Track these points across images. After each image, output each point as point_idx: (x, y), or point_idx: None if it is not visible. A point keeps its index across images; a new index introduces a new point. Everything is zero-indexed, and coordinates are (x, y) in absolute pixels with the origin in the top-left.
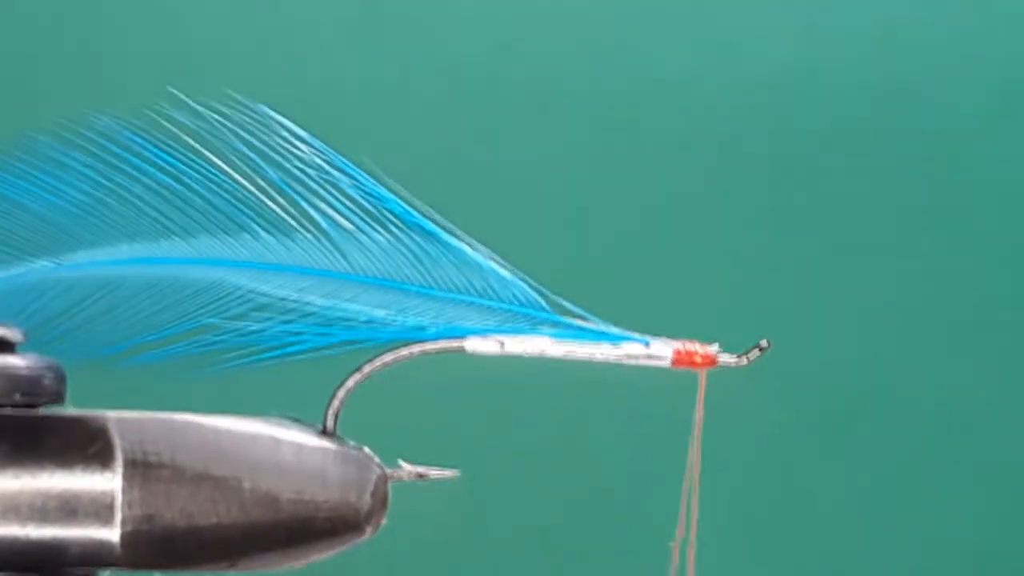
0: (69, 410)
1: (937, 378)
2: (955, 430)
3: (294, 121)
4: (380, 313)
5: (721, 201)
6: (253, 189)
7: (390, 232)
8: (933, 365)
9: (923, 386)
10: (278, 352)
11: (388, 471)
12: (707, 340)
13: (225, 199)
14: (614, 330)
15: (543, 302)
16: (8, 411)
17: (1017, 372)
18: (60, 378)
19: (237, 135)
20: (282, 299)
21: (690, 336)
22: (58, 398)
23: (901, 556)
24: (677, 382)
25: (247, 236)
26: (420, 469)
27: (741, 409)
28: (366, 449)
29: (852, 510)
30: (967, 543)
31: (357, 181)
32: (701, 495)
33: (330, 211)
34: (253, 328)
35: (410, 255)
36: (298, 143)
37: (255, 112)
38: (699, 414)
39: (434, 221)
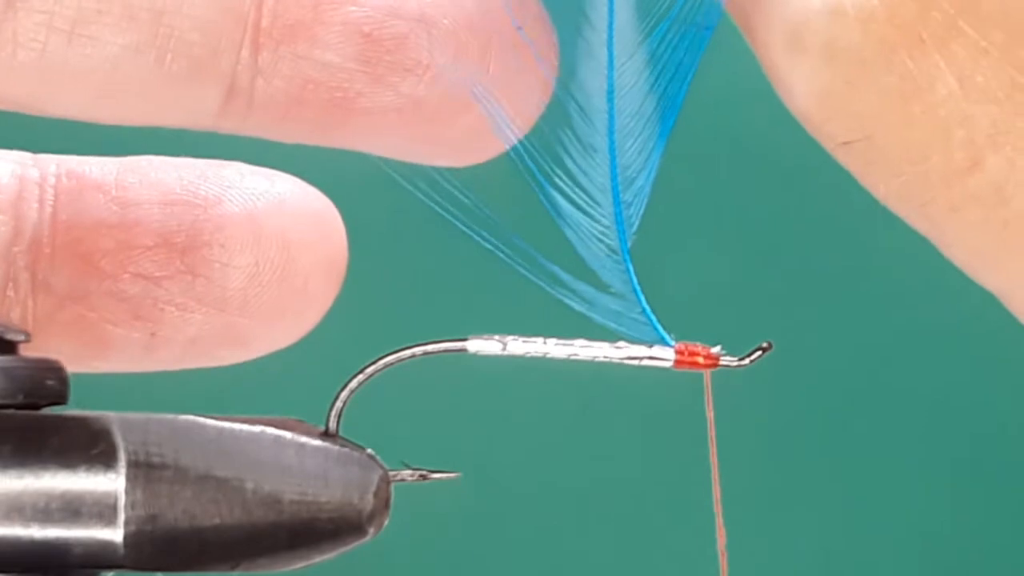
0: (72, 411)
1: (938, 378)
2: (956, 430)
3: None
4: None
5: (722, 201)
6: None
7: None
8: (933, 365)
9: (923, 386)
10: None
11: (391, 472)
12: (708, 341)
13: None
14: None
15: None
16: (11, 412)
17: (1018, 372)
18: (63, 379)
19: None
20: None
21: (691, 338)
22: (61, 399)
23: (901, 556)
24: (679, 383)
25: None
26: (423, 471)
27: (741, 409)
28: (369, 450)
29: (851, 511)
30: (967, 543)
31: None
32: (703, 495)
33: None
34: None
35: None
36: None
37: None
38: (709, 415)
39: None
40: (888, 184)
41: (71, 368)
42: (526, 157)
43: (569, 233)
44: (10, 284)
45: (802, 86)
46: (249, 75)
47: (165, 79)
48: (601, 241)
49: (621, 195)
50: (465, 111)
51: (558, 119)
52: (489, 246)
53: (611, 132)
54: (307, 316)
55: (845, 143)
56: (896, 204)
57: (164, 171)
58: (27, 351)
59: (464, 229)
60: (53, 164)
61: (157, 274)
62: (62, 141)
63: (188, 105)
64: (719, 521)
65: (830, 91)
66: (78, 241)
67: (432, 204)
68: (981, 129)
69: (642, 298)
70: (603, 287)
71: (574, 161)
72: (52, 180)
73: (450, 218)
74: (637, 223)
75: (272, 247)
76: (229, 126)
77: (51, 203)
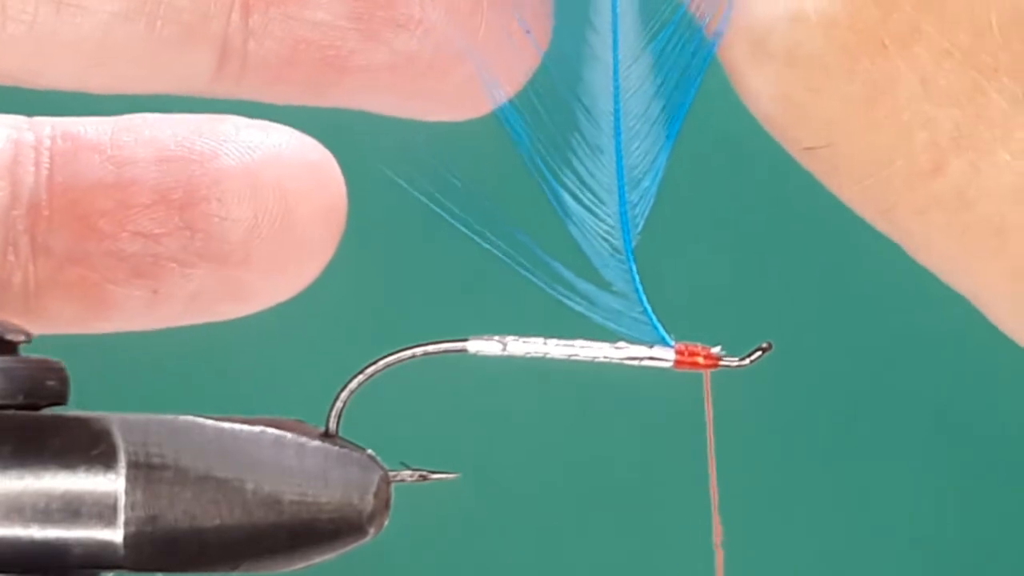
0: (72, 411)
1: (938, 380)
2: (956, 432)
3: None
4: None
5: (722, 202)
6: None
7: None
8: (934, 366)
9: (924, 387)
10: None
11: (390, 473)
12: (708, 341)
13: None
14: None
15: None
16: (11, 412)
17: (1017, 372)
18: (63, 379)
19: None
20: None
21: (692, 338)
22: (61, 399)
23: (901, 557)
24: (679, 383)
25: None
26: (422, 471)
27: (741, 410)
28: (369, 451)
29: (852, 512)
30: (967, 545)
31: None
32: (703, 495)
33: None
34: None
35: None
36: None
37: None
38: (708, 415)
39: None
40: (852, 189)
41: (75, 330)
42: (535, 155)
43: (575, 232)
44: (10, 248)
45: (765, 92)
46: (241, 38)
47: (156, 45)
48: (606, 240)
49: (627, 196)
50: (459, 64)
51: (566, 116)
52: (489, 246)
53: (617, 133)
54: (308, 267)
55: (808, 148)
56: (861, 208)
57: (159, 128)
58: (31, 321)
59: (464, 229)
60: (48, 126)
61: (156, 231)
62: (56, 112)
63: (181, 71)
64: (716, 520)
65: (792, 97)
66: (75, 202)
67: (432, 204)
68: (944, 132)
69: (644, 298)
70: (604, 286)
71: (581, 161)
72: (47, 142)
73: (450, 218)
74: (642, 223)
75: (270, 198)
76: (223, 90)
77: (47, 166)
